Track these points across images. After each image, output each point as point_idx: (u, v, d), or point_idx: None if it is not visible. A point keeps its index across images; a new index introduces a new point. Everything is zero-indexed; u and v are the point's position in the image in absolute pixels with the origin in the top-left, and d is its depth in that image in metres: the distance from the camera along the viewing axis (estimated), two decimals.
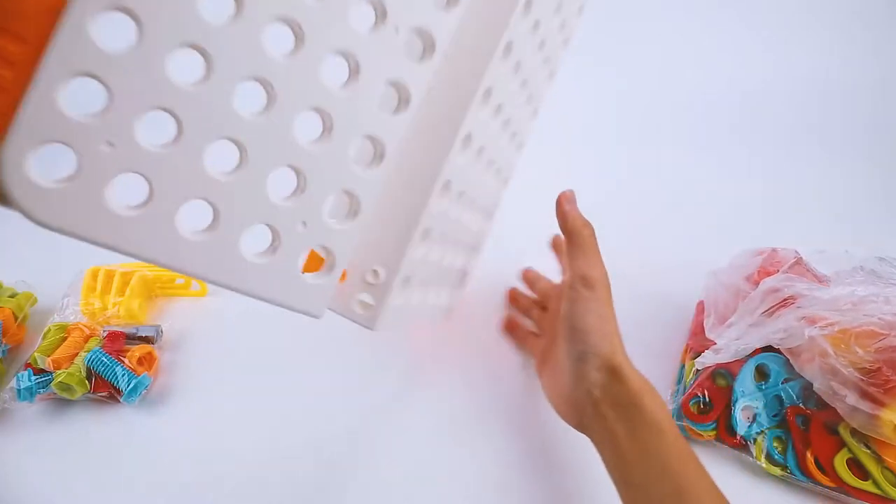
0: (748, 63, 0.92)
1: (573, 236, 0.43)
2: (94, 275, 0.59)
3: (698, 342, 0.52)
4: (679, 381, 0.52)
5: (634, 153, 0.85)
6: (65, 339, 0.54)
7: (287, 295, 0.29)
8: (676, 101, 0.90)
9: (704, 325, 0.50)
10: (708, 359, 0.47)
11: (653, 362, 0.50)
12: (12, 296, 0.59)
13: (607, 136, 0.88)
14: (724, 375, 0.50)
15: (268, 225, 0.28)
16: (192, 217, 0.27)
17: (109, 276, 0.59)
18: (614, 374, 0.39)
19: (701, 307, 0.57)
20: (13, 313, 0.56)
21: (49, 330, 0.54)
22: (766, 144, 0.86)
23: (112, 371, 0.50)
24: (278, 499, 0.46)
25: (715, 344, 0.47)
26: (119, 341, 0.54)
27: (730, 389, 0.48)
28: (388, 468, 0.48)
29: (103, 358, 0.51)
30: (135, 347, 0.53)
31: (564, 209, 0.44)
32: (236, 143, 0.26)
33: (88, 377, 0.50)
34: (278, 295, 0.29)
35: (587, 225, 0.44)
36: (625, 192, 0.78)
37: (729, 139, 0.86)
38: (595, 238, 0.44)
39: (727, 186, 0.79)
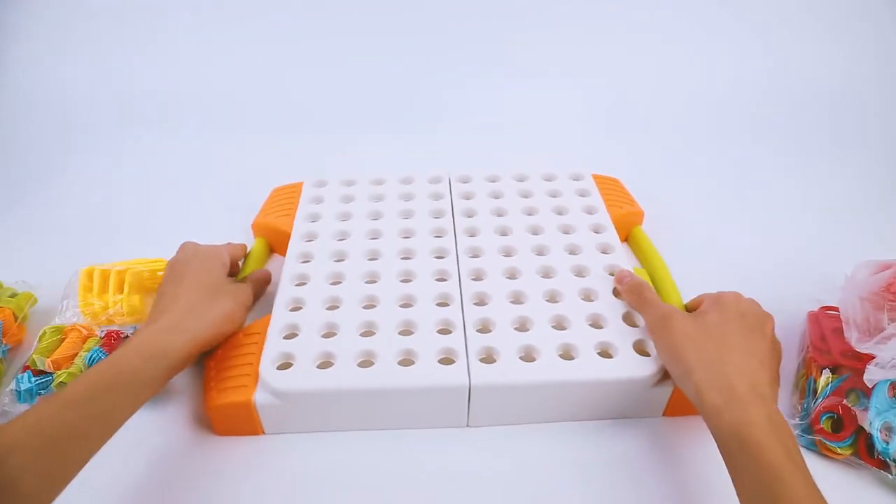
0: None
1: (629, 302, 0.51)
2: (89, 275, 0.58)
3: (823, 356, 0.50)
4: (807, 396, 0.49)
5: (734, 154, 0.85)
6: (62, 340, 0.53)
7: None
8: (794, 101, 0.91)
9: (848, 339, 0.48)
10: (877, 374, 0.44)
11: None
12: (13, 296, 0.58)
13: (709, 137, 0.88)
14: (856, 392, 0.47)
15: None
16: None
17: (105, 275, 0.58)
18: (698, 399, 0.40)
19: (813, 318, 0.55)
20: (13, 313, 0.56)
21: (45, 333, 0.53)
22: (861, 151, 0.85)
23: None
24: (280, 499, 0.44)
25: (874, 357, 0.45)
26: (119, 340, 0.53)
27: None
28: None
29: (104, 357, 0.50)
30: None
31: (617, 288, 0.53)
32: None
33: None
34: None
35: (630, 287, 0.51)
36: (722, 194, 0.78)
37: (830, 145, 0.86)
38: (640, 292, 0.50)
39: (822, 192, 0.78)
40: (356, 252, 0.58)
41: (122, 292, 0.57)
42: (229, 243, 0.59)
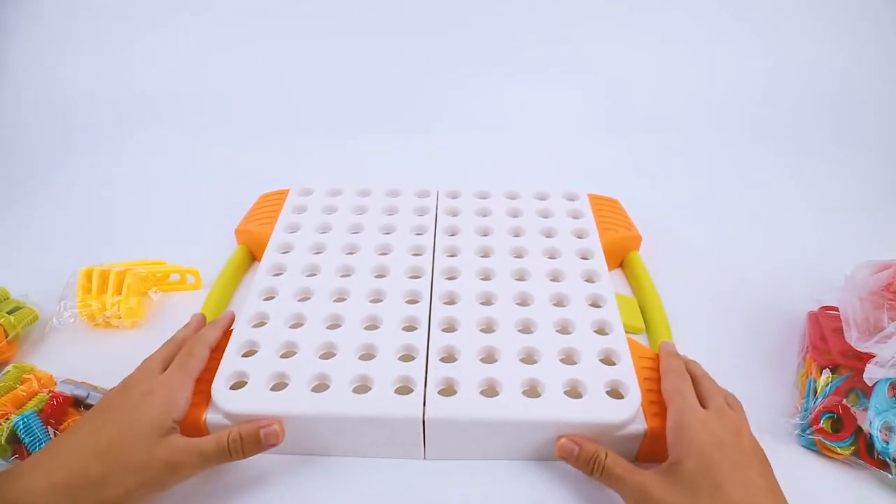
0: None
1: (590, 477, 0.42)
2: (88, 275, 0.57)
3: (823, 356, 0.50)
4: (807, 396, 0.48)
5: (734, 153, 0.85)
6: (13, 388, 0.48)
7: None
8: (786, 101, 0.90)
9: (848, 338, 0.47)
10: (876, 373, 0.44)
11: (768, 373, 0.53)
12: (13, 311, 0.56)
13: (708, 136, 0.88)
14: (855, 392, 0.47)
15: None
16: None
17: (104, 275, 0.57)
18: None
19: (813, 318, 0.54)
20: (4, 330, 0.53)
21: (9, 371, 0.49)
22: (861, 151, 0.84)
23: (38, 443, 0.44)
24: None
25: (874, 357, 0.45)
26: (62, 407, 0.47)
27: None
28: None
29: (33, 426, 0.45)
30: (75, 418, 0.47)
31: (569, 461, 0.43)
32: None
33: (15, 440, 0.45)
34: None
35: (585, 462, 0.42)
36: (722, 194, 0.77)
37: (830, 145, 0.85)
38: (601, 465, 0.41)
39: (822, 192, 0.78)
40: (329, 267, 0.56)
41: (120, 293, 0.57)
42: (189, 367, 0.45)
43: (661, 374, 0.46)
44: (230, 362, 0.46)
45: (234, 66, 0.93)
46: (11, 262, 0.66)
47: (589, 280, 0.55)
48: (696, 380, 0.45)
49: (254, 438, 0.41)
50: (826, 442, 0.45)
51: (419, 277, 0.55)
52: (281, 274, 0.55)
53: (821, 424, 0.45)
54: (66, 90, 0.92)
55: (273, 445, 0.42)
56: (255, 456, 0.43)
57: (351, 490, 0.44)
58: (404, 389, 0.45)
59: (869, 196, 0.77)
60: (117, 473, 0.36)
